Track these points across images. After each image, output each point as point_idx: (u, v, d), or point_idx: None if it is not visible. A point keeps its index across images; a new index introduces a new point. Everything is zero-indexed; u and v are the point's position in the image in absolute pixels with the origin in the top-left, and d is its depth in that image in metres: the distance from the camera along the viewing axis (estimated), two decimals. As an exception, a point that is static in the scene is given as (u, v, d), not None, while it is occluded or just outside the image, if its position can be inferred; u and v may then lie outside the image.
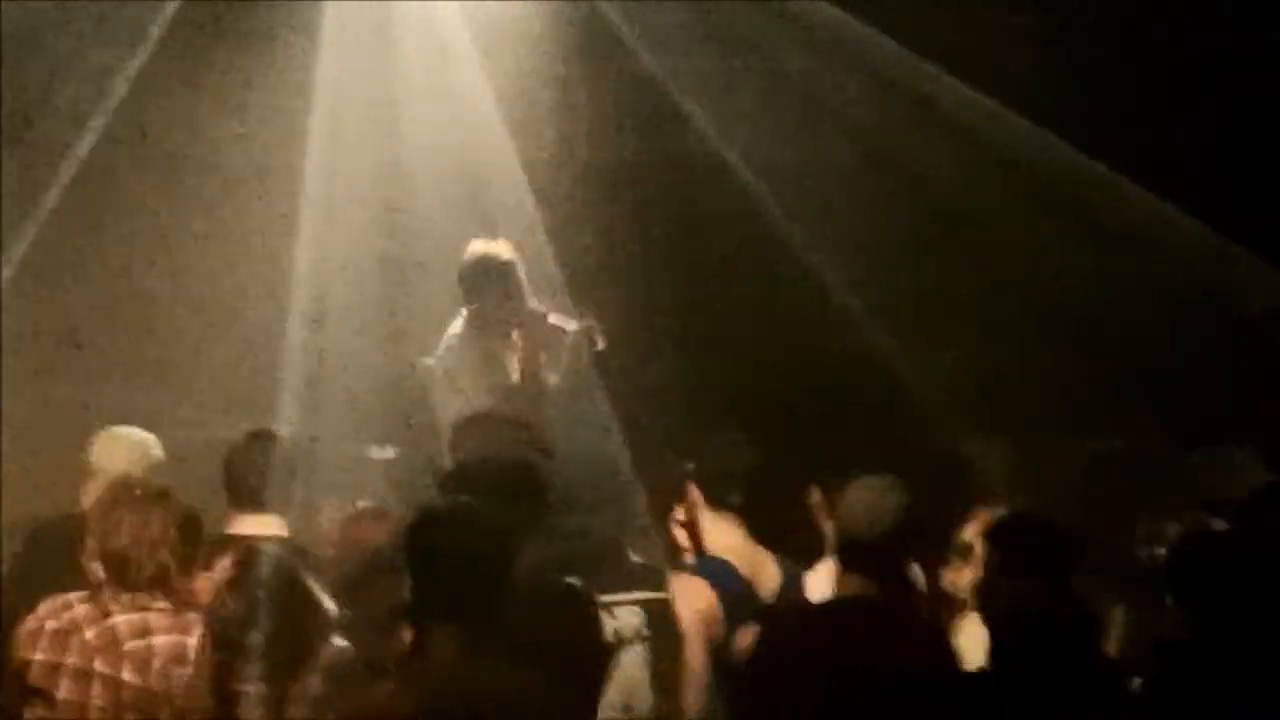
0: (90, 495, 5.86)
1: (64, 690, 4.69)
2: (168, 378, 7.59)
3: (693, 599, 5.30)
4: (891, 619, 4.73)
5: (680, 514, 5.86)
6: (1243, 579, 4.36)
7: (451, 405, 7.25)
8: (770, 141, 8.36)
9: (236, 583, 4.86)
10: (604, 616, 4.88)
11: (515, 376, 7.52)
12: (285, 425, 6.68)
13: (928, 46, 7.88)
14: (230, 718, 4.86)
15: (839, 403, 7.94)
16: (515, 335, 7.54)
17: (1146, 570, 5.35)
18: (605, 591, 5.01)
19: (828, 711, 4.42)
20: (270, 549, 5.20)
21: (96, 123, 7.84)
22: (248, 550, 5.00)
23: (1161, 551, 5.30)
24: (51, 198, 7.78)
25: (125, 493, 4.90)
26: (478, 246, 7.46)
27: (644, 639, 5.22)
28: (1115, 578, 5.29)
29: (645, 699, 5.08)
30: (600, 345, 7.48)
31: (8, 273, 7.79)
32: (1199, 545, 4.85)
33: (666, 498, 5.90)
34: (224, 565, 4.95)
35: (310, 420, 7.00)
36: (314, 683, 4.68)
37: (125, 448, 6.19)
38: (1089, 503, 5.85)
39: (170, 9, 7.81)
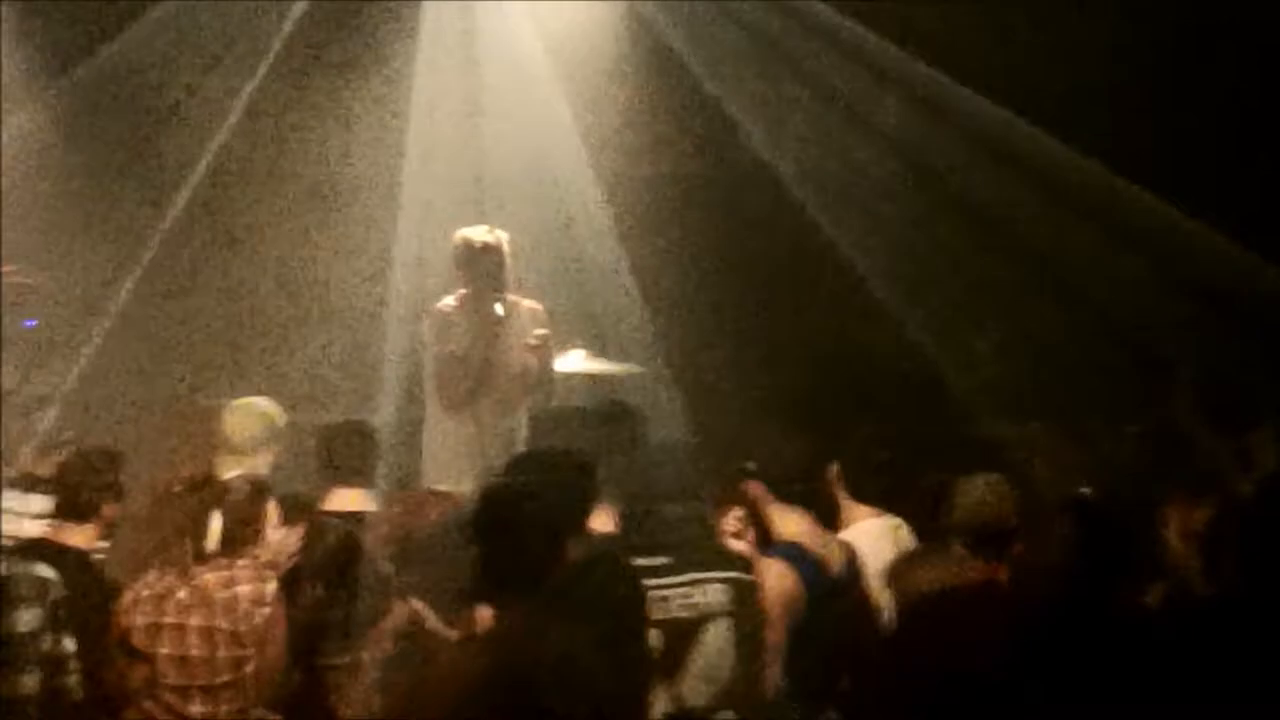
0: (221, 465, 6.24)
1: (164, 646, 5.02)
2: (281, 367, 7.89)
3: (777, 580, 5.46)
4: (1024, 596, 4.97)
5: (731, 522, 5.93)
6: (1270, 553, 4.28)
7: (432, 364, 7.41)
8: (817, 154, 8.63)
9: (304, 551, 5.37)
10: (692, 592, 5.17)
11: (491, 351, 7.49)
12: (385, 409, 7.25)
13: (959, 66, 7.99)
14: (314, 686, 5.29)
15: (881, 393, 8.12)
16: (495, 312, 7.55)
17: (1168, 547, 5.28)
18: (695, 571, 5.18)
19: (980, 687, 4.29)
20: (335, 522, 5.65)
21: (219, 139, 8.29)
22: (315, 524, 5.50)
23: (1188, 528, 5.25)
24: (177, 205, 8.27)
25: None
26: (476, 232, 7.51)
27: (728, 614, 5.28)
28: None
29: (727, 668, 5.22)
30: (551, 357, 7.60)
31: (133, 277, 8.19)
32: (1231, 522, 4.74)
33: (727, 499, 6.02)
34: (294, 535, 5.44)
35: (406, 404, 7.48)
36: (385, 646, 5.19)
37: (250, 417, 6.68)
38: (1120, 482, 6.00)
39: (280, 42, 8.30)
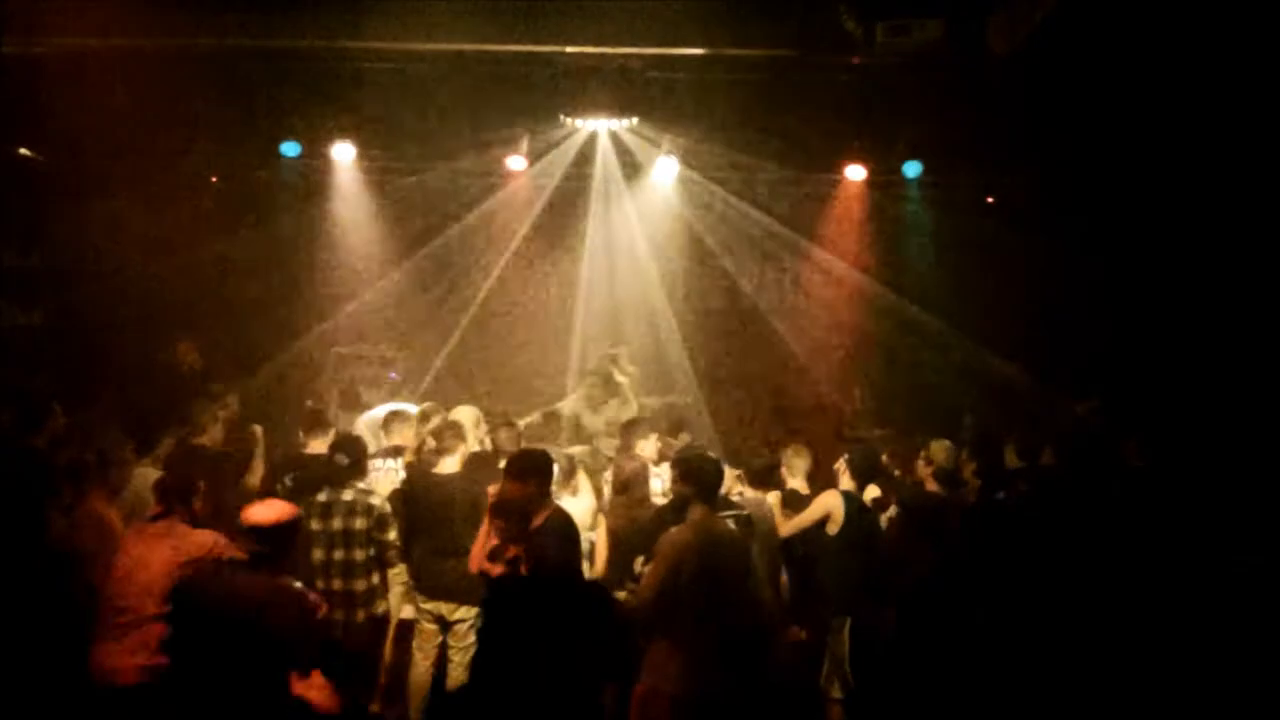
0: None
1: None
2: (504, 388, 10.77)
3: (767, 512, 7.03)
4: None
5: (738, 483, 7.34)
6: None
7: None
8: (780, 291, 12.09)
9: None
10: (726, 519, 6.44)
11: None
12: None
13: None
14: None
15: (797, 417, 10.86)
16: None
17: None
18: (722, 510, 6.46)
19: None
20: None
21: (495, 270, 11.64)
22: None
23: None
24: (471, 309, 11.56)
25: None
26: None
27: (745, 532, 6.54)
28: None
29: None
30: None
31: (447, 348, 10.94)
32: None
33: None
34: None
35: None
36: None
37: (470, 416, 8.11)
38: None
39: (531, 219, 11.44)
